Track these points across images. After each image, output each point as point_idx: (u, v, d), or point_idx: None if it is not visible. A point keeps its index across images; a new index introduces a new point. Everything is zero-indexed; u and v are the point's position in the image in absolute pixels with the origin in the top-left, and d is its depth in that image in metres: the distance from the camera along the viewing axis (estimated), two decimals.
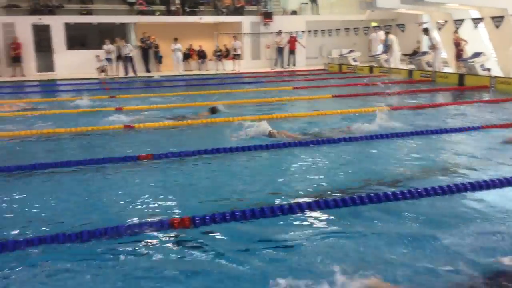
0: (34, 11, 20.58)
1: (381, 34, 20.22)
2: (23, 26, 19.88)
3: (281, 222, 4.07)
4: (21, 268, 3.34)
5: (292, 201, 4.53)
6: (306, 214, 4.20)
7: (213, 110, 9.44)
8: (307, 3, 25.44)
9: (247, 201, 4.61)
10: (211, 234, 3.86)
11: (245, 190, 5.03)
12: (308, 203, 4.32)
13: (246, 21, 23.42)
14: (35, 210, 4.49)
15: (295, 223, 4.07)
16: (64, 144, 7.52)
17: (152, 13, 22.54)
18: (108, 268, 3.32)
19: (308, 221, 4.08)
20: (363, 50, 22.38)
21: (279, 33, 22.50)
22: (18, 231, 3.97)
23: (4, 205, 4.67)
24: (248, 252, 3.54)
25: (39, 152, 6.94)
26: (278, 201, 4.56)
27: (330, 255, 3.44)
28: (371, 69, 19.37)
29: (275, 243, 3.69)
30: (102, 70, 19.90)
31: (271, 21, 23.38)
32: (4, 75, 19.57)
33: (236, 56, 22.36)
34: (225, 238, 3.81)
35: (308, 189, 4.96)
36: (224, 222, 4.03)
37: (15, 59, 19.65)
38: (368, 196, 4.40)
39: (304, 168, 5.83)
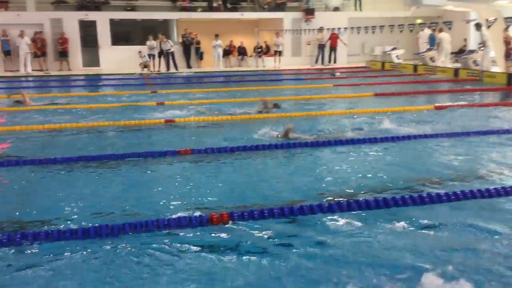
0: (81, 7, 21.18)
1: (427, 31, 19.67)
2: (71, 22, 20.50)
3: (320, 221, 4.00)
4: (63, 258, 3.42)
5: (331, 199, 4.45)
6: (345, 213, 4.12)
7: (276, 105, 9.61)
8: (349, 0, 25.06)
9: (285, 199, 4.57)
10: (248, 231, 3.84)
11: (283, 188, 4.98)
12: (348, 202, 4.24)
13: (288, 18, 23.29)
14: (78, 202, 4.59)
15: (334, 222, 4.00)
16: (108, 138, 7.69)
17: (194, 9, 22.78)
18: (145, 262, 3.35)
19: (347, 221, 4.00)
20: (407, 47, 21.82)
21: (320, 29, 22.26)
22: (61, 221, 4.08)
23: (48, 196, 4.82)
24: (285, 250, 3.50)
25: (84, 145, 7.11)
26: (317, 199, 4.50)
27: (367, 255, 3.36)
28: (415, 67, 18.88)
29: (312, 242, 3.63)
30: (145, 65, 20.26)
31: (313, 18, 23.16)
32: (52, 69, 20.25)
33: (278, 53, 22.29)
34: (263, 235, 3.79)
35: (347, 189, 4.87)
36: (262, 219, 4.00)
37: (62, 54, 20.29)
38: (411, 197, 4.28)
39: (344, 167, 5.73)
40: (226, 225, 3.91)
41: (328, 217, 4.05)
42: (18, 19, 19.75)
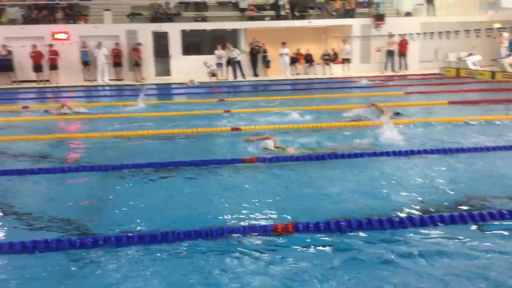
0: (154, 19, 22.05)
1: (506, 36, 18.50)
2: (144, 33, 21.39)
3: (392, 236, 3.80)
4: (131, 262, 3.48)
5: (400, 214, 4.22)
6: (417, 229, 3.89)
7: (399, 113, 9.39)
8: (422, 5, 24.17)
9: (352, 211, 4.39)
10: (313, 243, 3.72)
11: (350, 199, 4.80)
12: (421, 217, 3.99)
13: (357, 24, 22.87)
14: (146, 207, 4.70)
15: (402, 237, 3.78)
16: (176, 145, 7.85)
17: (261, 18, 22.98)
18: (208, 268, 3.33)
19: (415, 237, 3.77)
20: (483, 53, 20.64)
21: (390, 35, 21.63)
22: (131, 226, 4.17)
23: (118, 201, 4.96)
24: (350, 265, 3.35)
25: (154, 152, 7.30)
26: (387, 212, 4.28)
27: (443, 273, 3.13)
28: (493, 74, 17.79)
29: (384, 257, 3.45)
30: (213, 74, 20.70)
31: (383, 23, 22.57)
32: (126, 79, 21.22)
33: (346, 60, 21.93)
34: (328, 247, 3.65)
35: (421, 202, 4.60)
36: (328, 231, 3.87)
37: (136, 64, 21.19)
38: (490, 214, 3.96)
39: (418, 178, 5.44)
40: (291, 236, 3.81)
41: (403, 232, 3.84)
42: (96, 31, 20.91)
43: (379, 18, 22.71)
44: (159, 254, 3.58)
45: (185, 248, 3.66)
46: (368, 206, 4.54)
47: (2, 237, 3.98)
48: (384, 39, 21.96)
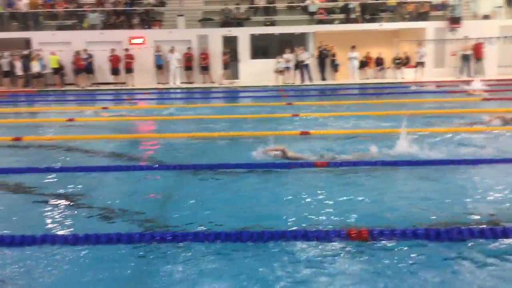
0: (224, 24, 22.52)
1: None
2: (215, 38, 21.91)
3: (472, 247, 3.62)
4: (206, 260, 3.57)
5: (486, 224, 4.01)
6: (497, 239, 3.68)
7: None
8: (501, 7, 22.88)
9: (427, 219, 4.23)
10: (387, 250, 3.62)
11: (428, 207, 4.63)
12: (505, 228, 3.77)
13: (431, 27, 22.07)
14: (219, 207, 4.80)
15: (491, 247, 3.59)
16: (245, 147, 7.95)
17: (331, 22, 22.79)
18: (276, 272, 3.34)
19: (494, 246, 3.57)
20: None
21: (465, 39, 20.66)
22: (201, 223, 4.27)
23: (191, 198, 5.10)
24: (426, 273, 3.23)
25: (223, 152, 7.44)
26: (469, 222, 4.08)
27: None
28: None
29: (458, 271, 3.30)
30: (280, 71, 20.68)
31: (459, 27, 21.62)
32: (197, 82, 21.83)
33: (420, 64, 21.22)
34: (403, 257, 3.53)
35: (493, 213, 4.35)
36: (404, 239, 3.75)
37: (204, 68, 21.74)
38: None
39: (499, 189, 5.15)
40: (365, 242, 3.74)
41: (484, 243, 3.65)
42: (170, 36, 21.70)
43: (455, 21, 21.78)
44: (231, 253, 3.64)
45: (257, 249, 3.69)
46: (444, 214, 4.36)
47: (78, 229, 4.19)
48: (460, 43, 21.02)
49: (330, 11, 23.23)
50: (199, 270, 3.39)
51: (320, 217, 4.36)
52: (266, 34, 22.55)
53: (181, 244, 3.77)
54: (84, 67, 21.22)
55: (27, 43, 22.23)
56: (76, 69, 21.31)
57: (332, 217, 4.37)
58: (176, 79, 21.32)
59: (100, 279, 3.32)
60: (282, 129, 9.00)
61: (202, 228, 4.14)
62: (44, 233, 3.95)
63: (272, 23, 22.91)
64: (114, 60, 21.14)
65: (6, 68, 21.11)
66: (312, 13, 22.97)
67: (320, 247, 3.69)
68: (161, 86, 21.16)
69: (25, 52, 21.61)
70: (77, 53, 21.08)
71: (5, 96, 18.62)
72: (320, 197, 4.98)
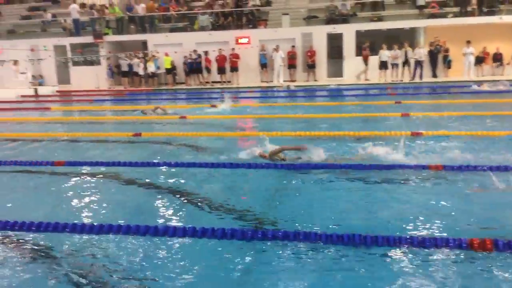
0: (329, 21, 22.27)
1: None
2: (319, 35, 21.76)
3: None
4: (305, 259, 3.56)
5: None
6: None
7: None
8: None
9: None
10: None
11: None
12: None
13: None
14: (324, 208, 4.75)
15: None
16: (349, 147, 7.78)
17: (444, 16, 21.48)
18: (384, 275, 3.22)
19: None
20: None
21: None
22: (302, 223, 4.26)
23: (285, 198, 5.12)
24: None
25: (325, 152, 7.32)
26: None
27: None
28: None
29: None
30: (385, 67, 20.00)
31: None
32: (299, 80, 21.87)
33: None
34: None
35: None
36: None
37: (310, 66, 21.71)
38: None
39: None
40: (489, 253, 3.46)
41: None
42: (275, 35, 21.98)
43: None
44: (334, 254, 3.59)
45: (362, 253, 3.59)
46: None
47: (189, 222, 4.38)
48: None
49: (442, 4, 21.89)
50: (306, 270, 3.39)
51: (435, 224, 4.12)
52: (372, 30, 21.89)
53: (290, 242, 3.79)
54: (194, 67, 22.28)
55: (143, 44, 23.92)
56: (188, 69, 22.41)
57: (450, 224, 4.12)
58: (279, 77, 21.55)
59: (211, 272, 3.46)
60: (390, 129, 8.65)
61: (306, 227, 4.12)
62: (164, 224, 4.21)
63: (380, 19, 22.18)
64: (220, 60, 21.94)
65: (125, 68, 22.89)
66: (422, 7, 21.84)
67: (435, 254, 3.50)
68: (265, 84, 21.52)
69: (141, 53, 23.25)
70: (205, 53, 22.05)
71: (124, 95, 20.19)
72: (436, 202, 4.71)
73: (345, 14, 22.25)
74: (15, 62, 20.47)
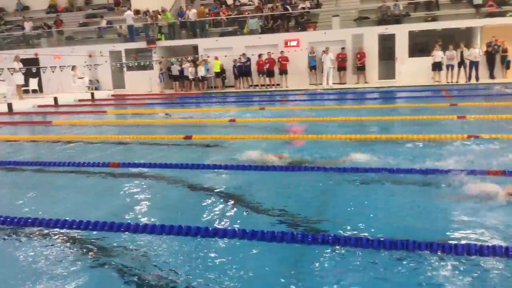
0: (381, 22, 21.82)
1: None
2: (370, 36, 21.37)
3: None
4: (347, 265, 3.49)
5: None
6: None
7: None
8: None
9: None
10: None
11: None
12: None
13: None
14: (369, 212, 4.65)
15: None
16: (403, 151, 7.58)
17: (502, 14, 20.53)
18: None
19: None
20: None
21: None
22: (352, 228, 4.17)
23: (343, 202, 5.03)
24: None
25: (374, 156, 7.16)
26: None
27: None
28: None
29: None
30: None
31: None
32: (349, 82, 21.56)
33: None
34: None
35: None
36: None
37: (360, 68, 21.36)
38: None
39: None
40: None
41: None
42: (324, 37, 21.79)
43: None
44: (379, 260, 3.50)
45: (421, 260, 3.48)
46: None
47: (233, 224, 4.40)
48: None
49: (500, 2, 20.93)
50: (357, 276, 3.32)
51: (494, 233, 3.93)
52: (426, 30, 21.24)
53: (339, 248, 3.73)
54: (243, 70, 22.47)
55: (194, 49, 24.39)
56: (238, 73, 22.63)
57: (497, 233, 3.92)
58: (329, 80, 21.33)
59: (260, 274, 3.46)
60: (445, 132, 8.36)
61: (358, 232, 4.04)
62: (214, 226, 4.25)
63: (434, 19, 21.50)
64: (269, 63, 21.99)
65: (175, 72, 23.42)
66: (478, 6, 20.96)
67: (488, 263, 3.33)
68: (313, 87, 21.38)
69: (192, 57, 23.73)
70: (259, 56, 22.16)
71: (175, 98, 20.66)
72: (488, 208, 4.50)
73: (398, 14, 21.74)
74: (74, 68, 21.40)
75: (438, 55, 19.67)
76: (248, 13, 24.64)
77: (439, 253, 3.51)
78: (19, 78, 19.27)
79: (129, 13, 25.04)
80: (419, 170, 5.87)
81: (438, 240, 3.68)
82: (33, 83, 22.69)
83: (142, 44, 24.69)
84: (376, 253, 3.62)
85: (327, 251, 3.71)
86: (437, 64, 19.77)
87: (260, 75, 22.34)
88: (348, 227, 4.19)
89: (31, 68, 19.79)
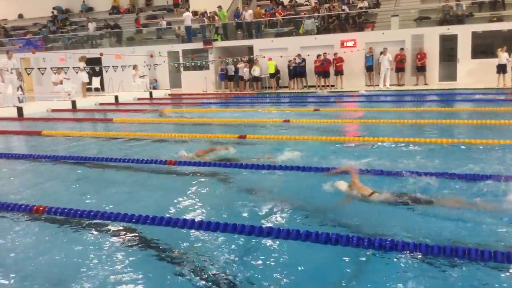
0: (442, 22, 21.07)
1: None
2: (431, 37, 20.68)
3: None
4: (404, 271, 3.39)
5: None
6: None
7: None
8: None
9: None
10: None
11: None
12: None
13: None
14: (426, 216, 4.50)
15: None
16: (459, 155, 7.28)
17: None
18: None
19: None
20: None
21: None
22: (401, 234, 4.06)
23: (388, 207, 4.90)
24: None
25: (428, 159, 6.91)
26: None
27: None
28: None
29: None
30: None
31: None
32: (407, 84, 20.96)
33: None
34: None
35: None
36: None
37: (420, 69, 20.72)
38: None
39: None
40: None
41: None
42: (382, 37, 21.32)
43: None
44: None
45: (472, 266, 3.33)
46: None
47: (286, 224, 4.38)
48: None
49: None
50: (414, 284, 3.23)
51: None
52: (490, 31, 20.28)
53: (396, 253, 3.65)
54: (298, 71, 22.39)
55: (249, 49, 24.60)
56: (292, 73, 22.57)
57: None
58: (386, 81, 20.85)
59: (312, 275, 3.44)
60: (506, 138, 7.95)
61: (417, 238, 3.93)
62: (269, 226, 4.28)
63: (499, 19, 20.50)
64: (325, 63, 21.76)
65: (230, 72, 23.71)
66: None
67: None
68: (370, 88, 20.97)
69: (247, 58, 23.93)
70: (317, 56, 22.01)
71: (230, 98, 20.91)
72: None
73: (460, 14, 20.91)
74: (135, 67, 22.15)
75: (503, 56, 18.73)
76: (305, 13, 24.54)
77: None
78: (85, 77, 20.22)
79: (188, 14, 25.62)
80: (481, 176, 5.62)
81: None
82: (95, 82, 23.74)
83: (199, 45, 25.18)
84: (435, 259, 3.51)
85: (383, 256, 3.64)
86: (502, 66, 18.82)
87: (317, 76, 22.17)
88: (408, 233, 4.08)
89: (95, 67, 20.71)
